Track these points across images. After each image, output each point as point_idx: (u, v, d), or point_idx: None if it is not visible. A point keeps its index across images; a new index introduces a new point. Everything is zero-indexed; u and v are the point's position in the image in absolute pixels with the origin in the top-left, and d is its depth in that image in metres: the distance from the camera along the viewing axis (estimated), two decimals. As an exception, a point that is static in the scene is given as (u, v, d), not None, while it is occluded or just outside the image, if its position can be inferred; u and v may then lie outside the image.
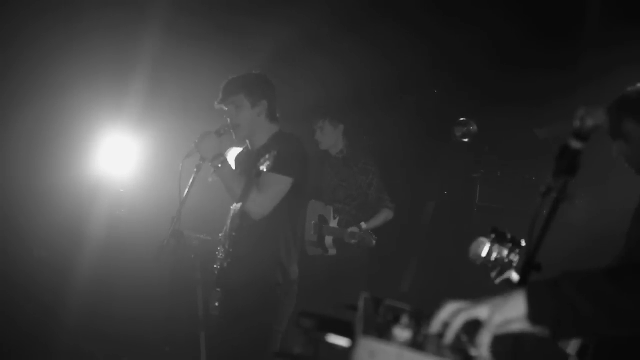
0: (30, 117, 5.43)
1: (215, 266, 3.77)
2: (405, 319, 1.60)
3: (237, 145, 4.28)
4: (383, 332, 1.52)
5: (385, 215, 5.57)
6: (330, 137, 5.52)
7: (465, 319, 1.63)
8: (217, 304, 3.73)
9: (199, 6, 5.80)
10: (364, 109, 6.26)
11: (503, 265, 2.68)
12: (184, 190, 3.62)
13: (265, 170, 3.58)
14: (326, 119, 5.46)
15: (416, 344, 1.51)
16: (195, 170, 3.69)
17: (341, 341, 1.62)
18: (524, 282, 1.86)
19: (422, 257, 6.51)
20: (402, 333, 1.51)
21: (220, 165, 3.65)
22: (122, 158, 5.84)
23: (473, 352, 1.62)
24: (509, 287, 2.73)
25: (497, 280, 2.72)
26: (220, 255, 3.78)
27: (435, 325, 1.63)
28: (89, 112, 5.61)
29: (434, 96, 6.52)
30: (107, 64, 5.54)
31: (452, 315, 1.63)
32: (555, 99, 5.30)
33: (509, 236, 2.67)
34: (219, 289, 3.74)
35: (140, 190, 5.79)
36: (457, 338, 1.72)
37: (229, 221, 3.88)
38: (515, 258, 2.68)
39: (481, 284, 2.92)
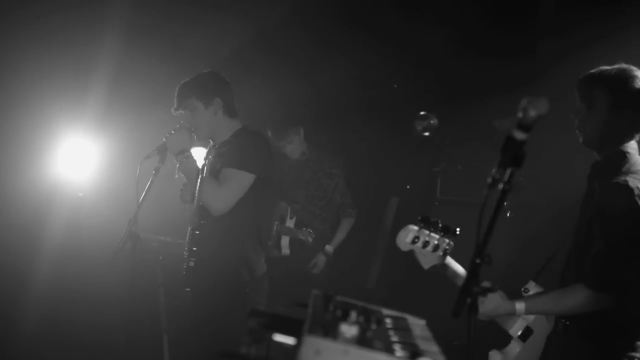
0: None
1: (183, 265, 3.76)
2: (353, 315, 1.59)
3: (201, 145, 4.24)
4: (329, 329, 1.50)
5: (347, 226, 5.57)
6: (298, 145, 5.44)
7: None
8: (188, 304, 3.73)
9: (160, 7, 5.74)
10: (324, 107, 6.23)
11: (432, 251, 2.69)
12: (142, 193, 3.61)
13: (224, 166, 3.57)
14: (288, 130, 5.32)
15: (363, 340, 1.50)
16: (153, 172, 3.68)
17: (287, 340, 1.61)
18: (474, 275, 1.86)
19: (387, 252, 6.51)
20: (349, 329, 1.50)
21: (184, 160, 3.67)
22: (80, 161, 5.74)
23: (422, 346, 1.62)
24: (442, 271, 2.76)
25: (427, 266, 2.74)
26: (186, 255, 3.76)
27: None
28: (47, 114, 5.51)
29: (393, 90, 6.51)
30: (66, 65, 5.44)
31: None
32: (516, 89, 5.29)
33: (440, 224, 2.69)
34: (188, 289, 3.76)
35: (99, 194, 5.71)
36: (407, 334, 1.72)
37: (190, 220, 3.85)
38: (447, 245, 2.69)
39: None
